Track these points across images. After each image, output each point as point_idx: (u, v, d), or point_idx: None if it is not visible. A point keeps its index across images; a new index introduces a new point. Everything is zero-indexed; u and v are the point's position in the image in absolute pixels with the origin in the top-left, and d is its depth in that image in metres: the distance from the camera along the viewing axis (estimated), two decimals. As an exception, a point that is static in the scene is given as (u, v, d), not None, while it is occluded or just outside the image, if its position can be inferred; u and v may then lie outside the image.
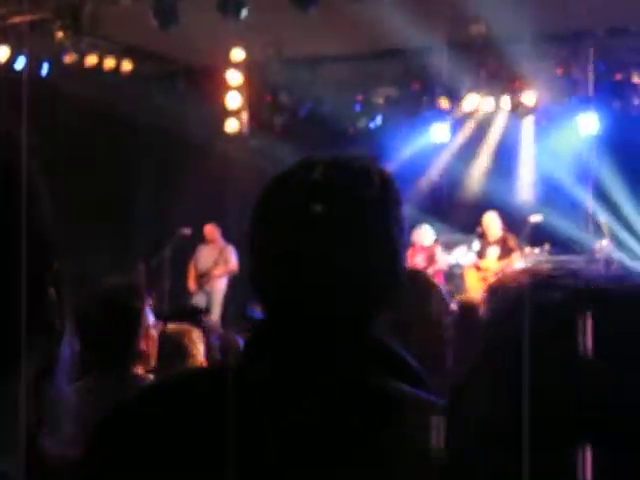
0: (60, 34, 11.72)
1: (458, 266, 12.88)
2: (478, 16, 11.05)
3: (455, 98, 13.45)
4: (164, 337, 3.59)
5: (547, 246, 12.31)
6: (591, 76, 12.45)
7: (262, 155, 11.48)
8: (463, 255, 12.84)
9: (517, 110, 13.43)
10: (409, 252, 12.69)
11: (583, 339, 0.90)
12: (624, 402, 0.90)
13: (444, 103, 13.52)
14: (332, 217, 1.54)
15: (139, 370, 3.26)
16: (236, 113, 13.77)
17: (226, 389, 1.47)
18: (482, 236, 12.51)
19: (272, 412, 1.50)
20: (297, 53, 12.56)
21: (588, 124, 12.85)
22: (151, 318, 3.34)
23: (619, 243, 12.17)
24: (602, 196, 12.48)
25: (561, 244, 12.21)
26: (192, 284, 13.54)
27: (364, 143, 13.48)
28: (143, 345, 3.26)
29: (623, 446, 0.90)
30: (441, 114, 13.75)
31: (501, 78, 12.94)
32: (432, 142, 14.09)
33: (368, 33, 10.66)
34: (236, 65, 13.23)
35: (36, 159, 0.94)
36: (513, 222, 12.46)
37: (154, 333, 3.34)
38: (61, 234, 0.97)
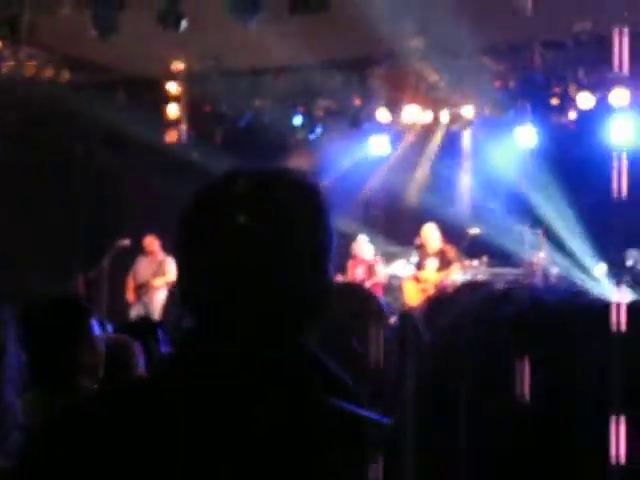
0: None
1: (396, 278, 12.91)
2: (417, 30, 11.14)
3: (394, 111, 13.54)
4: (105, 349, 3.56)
5: (485, 258, 12.42)
6: (529, 89, 12.61)
7: (202, 165, 11.43)
8: (402, 267, 12.88)
9: (456, 123, 13.55)
10: (349, 264, 12.73)
11: (532, 355, 0.92)
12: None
13: (383, 116, 13.60)
14: (256, 229, 1.54)
15: (85, 382, 3.23)
16: (176, 123, 13.73)
17: (162, 402, 1.47)
18: (421, 248, 12.56)
19: (218, 421, 1.50)
20: (237, 64, 12.55)
21: (526, 137, 13.00)
22: (97, 330, 3.32)
23: (555, 255, 12.31)
24: (539, 209, 12.61)
25: (499, 256, 12.33)
26: (131, 295, 13.41)
27: (304, 154, 13.50)
28: (88, 357, 3.24)
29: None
30: (380, 126, 13.83)
31: (440, 91, 13.03)
32: (371, 154, 14.18)
33: (309, 45, 10.69)
34: (175, 76, 13.19)
35: None
36: (452, 234, 12.52)
37: (100, 345, 3.32)
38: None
